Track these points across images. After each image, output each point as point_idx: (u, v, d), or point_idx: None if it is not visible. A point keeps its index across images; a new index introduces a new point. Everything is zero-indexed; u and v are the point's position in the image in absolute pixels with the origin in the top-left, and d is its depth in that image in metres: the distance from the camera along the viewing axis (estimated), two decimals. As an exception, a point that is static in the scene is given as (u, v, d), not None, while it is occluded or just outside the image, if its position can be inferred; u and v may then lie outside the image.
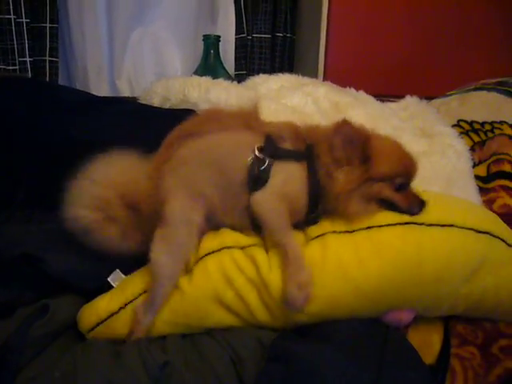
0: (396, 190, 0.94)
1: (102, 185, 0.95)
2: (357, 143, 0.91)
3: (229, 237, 0.97)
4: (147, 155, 0.98)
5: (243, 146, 0.95)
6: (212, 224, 0.97)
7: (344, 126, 0.92)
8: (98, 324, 0.93)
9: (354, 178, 0.91)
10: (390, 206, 0.95)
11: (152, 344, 0.90)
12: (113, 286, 0.97)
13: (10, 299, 0.94)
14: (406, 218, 0.93)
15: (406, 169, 0.95)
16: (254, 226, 0.95)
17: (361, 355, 0.83)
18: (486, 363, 0.94)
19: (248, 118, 0.99)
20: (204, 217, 0.95)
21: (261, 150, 0.93)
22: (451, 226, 0.93)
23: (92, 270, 0.97)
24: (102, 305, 0.94)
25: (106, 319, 0.93)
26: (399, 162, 0.94)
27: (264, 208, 0.92)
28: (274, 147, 0.94)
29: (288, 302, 0.87)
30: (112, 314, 0.93)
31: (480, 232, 0.94)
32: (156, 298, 0.92)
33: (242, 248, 0.95)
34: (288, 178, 0.93)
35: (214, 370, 0.86)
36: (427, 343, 0.98)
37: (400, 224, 0.93)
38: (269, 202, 0.92)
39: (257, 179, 0.92)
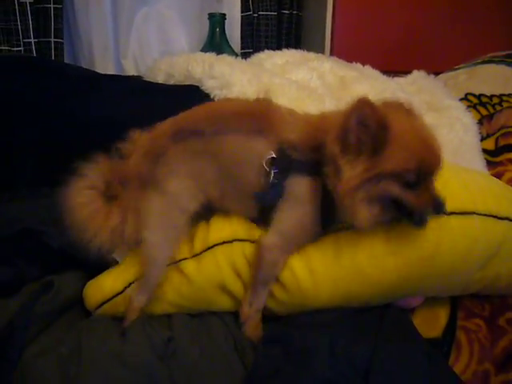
0: (407, 187, 0.79)
1: (100, 171, 0.93)
2: (372, 127, 0.76)
3: (241, 228, 0.94)
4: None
5: (255, 154, 0.87)
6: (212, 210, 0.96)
7: (361, 105, 0.76)
8: (103, 303, 0.94)
9: (359, 172, 0.77)
10: (399, 207, 0.82)
11: (157, 321, 0.91)
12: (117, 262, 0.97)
13: (15, 276, 0.94)
14: None
15: (421, 163, 0.78)
16: (263, 218, 0.91)
17: (356, 331, 0.84)
18: (492, 335, 0.94)
19: (261, 119, 0.89)
20: (201, 206, 0.94)
21: (272, 163, 0.85)
22: (472, 213, 0.89)
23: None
24: (107, 284, 0.94)
25: (111, 298, 0.93)
26: (416, 155, 0.78)
27: (266, 255, 0.89)
28: (286, 160, 0.85)
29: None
30: (117, 294, 0.94)
31: (500, 218, 0.91)
32: (149, 279, 0.92)
33: (254, 242, 0.92)
34: (300, 201, 0.86)
35: (220, 348, 0.87)
36: (434, 316, 0.98)
37: None
38: (272, 249, 0.88)
39: (267, 199, 0.87)
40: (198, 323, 0.93)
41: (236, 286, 0.92)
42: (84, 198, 0.90)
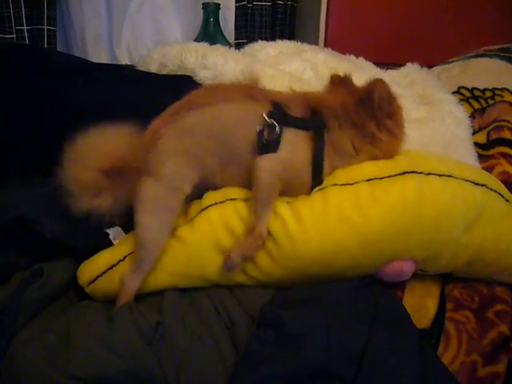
0: None
1: (82, 167, 0.91)
2: (393, 99, 0.98)
3: (232, 190, 0.97)
4: (142, 121, 0.97)
5: (250, 113, 0.94)
6: (206, 189, 0.98)
7: (382, 82, 0.95)
8: (97, 277, 0.94)
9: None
10: None
11: (145, 304, 0.91)
12: (112, 244, 0.98)
13: (6, 265, 0.94)
14: (404, 168, 0.94)
15: None
16: None
17: (351, 316, 0.83)
18: (481, 327, 0.94)
19: (251, 89, 0.98)
20: (195, 186, 0.95)
21: (269, 116, 0.92)
22: (449, 176, 0.95)
23: (87, 230, 0.96)
24: (103, 258, 0.95)
25: (105, 271, 0.94)
26: None
27: (262, 176, 0.92)
28: (282, 114, 0.93)
29: (226, 265, 0.91)
30: (111, 267, 0.94)
31: (477, 184, 0.96)
32: (142, 262, 0.92)
33: (246, 200, 0.95)
34: (296, 149, 0.94)
35: (211, 331, 0.87)
36: (423, 307, 0.99)
37: (399, 174, 0.93)
38: (269, 171, 0.92)
39: (266, 146, 0.92)
40: (188, 305, 0.92)
41: (229, 242, 0.93)
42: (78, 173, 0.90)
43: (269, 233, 0.92)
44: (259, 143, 0.92)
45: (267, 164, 0.92)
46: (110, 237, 0.98)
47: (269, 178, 0.92)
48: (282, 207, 0.93)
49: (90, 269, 0.95)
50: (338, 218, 0.92)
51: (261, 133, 0.91)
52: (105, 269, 0.94)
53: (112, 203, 0.92)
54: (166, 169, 0.93)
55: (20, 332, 0.85)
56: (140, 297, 0.94)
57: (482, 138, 1.30)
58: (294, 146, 0.94)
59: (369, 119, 0.96)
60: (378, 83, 0.95)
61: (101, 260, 0.95)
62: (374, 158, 0.98)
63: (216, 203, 0.96)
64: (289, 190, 0.95)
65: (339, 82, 1.03)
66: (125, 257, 0.94)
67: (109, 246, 0.98)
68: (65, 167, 0.89)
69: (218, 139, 0.94)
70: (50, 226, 0.93)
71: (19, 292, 0.88)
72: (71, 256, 0.97)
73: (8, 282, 0.92)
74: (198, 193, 0.97)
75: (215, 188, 0.98)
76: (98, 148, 0.92)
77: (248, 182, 0.94)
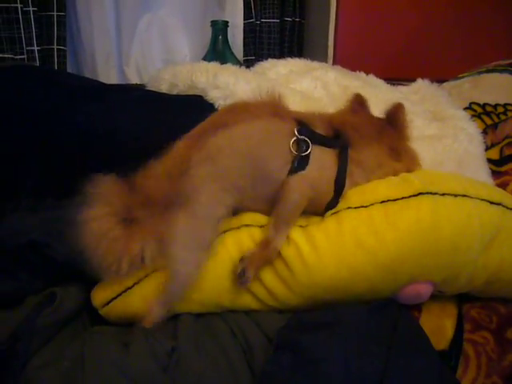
0: None
1: (118, 193, 0.90)
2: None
3: (248, 216, 0.97)
4: (154, 143, 0.96)
5: (279, 131, 0.94)
6: (237, 212, 0.97)
7: (403, 107, 1.03)
8: (112, 299, 0.93)
9: None
10: None
11: (160, 329, 0.89)
12: None
13: (19, 289, 0.93)
14: (418, 189, 0.93)
15: None
16: None
17: (369, 342, 0.82)
18: (500, 348, 0.93)
19: (275, 106, 0.98)
20: (232, 210, 0.94)
21: (299, 133, 0.93)
22: (464, 195, 0.93)
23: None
24: (117, 281, 0.93)
25: (120, 294, 0.93)
26: None
27: (292, 197, 0.92)
28: (309, 132, 0.94)
29: (240, 281, 0.89)
30: (126, 289, 0.93)
31: (493, 203, 0.95)
32: (171, 295, 0.91)
33: (261, 226, 0.95)
34: (323, 167, 0.94)
35: (227, 355, 0.86)
36: (440, 328, 0.97)
37: (413, 196, 0.92)
38: (299, 192, 0.92)
39: (297, 163, 0.92)
40: (203, 329, 0.91)
41: None
42: (103, 225, 0.87)
43: (282, 258, 0.91)
44: (292, 160, 0.92)
45: (298, 185, 0.92)
46: None
47: (298, 200, 0.92)
48: (296, 233, 0.93)
49: (105, 291, 0.94)
50: (354, 243, 0.91)
51: (293, 149, 0.92)
52: (120, 291, 0.93)
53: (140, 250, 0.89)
54: (201, 199, 0.90)
55: (33, 358, 0.84)
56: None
57: (494, 154, 1.28)
58: (322, 163, 0.94)
59: (395, 139, 1.01)
60: (401, 107, 1.03)
61: (115, 283, 0.93)
62: (396, 173, 1.00)
63: (231, 229, 0.95)
64: (310, 206, 0.95)
65: (362, 103, 1.05)
66: (140, 280, 0.93)
67: None
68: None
69: (247, 158, 0.92)
70: (62, 250, 0.92)
71: (32, 317, 0.88)
72: (84, 280, 0.96)
73: (21, 306, 0.92)
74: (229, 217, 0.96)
75: (246, 209, 0.97)
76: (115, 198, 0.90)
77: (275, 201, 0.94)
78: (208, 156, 0.91)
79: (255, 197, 0.95)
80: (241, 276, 0.89)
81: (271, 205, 0.94)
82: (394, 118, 1.03)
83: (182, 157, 0.91)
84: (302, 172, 0.92)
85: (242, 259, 0.90)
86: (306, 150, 0.92)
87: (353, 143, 0.97)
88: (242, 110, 0.97)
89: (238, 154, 0.92)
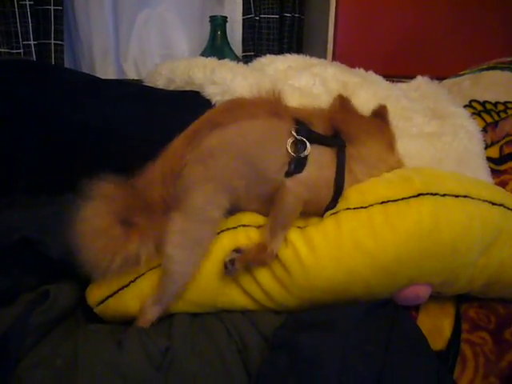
0: None
1: (121, 194, 0.90)
2: None
3: (245, 216, 0.96)
4: (150, 138, 0.95)
5: (276, 131, 0.93)
6: (232, 212, 0.95)
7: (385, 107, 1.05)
8: (107, 297, 0.92)
9: None
10: None
11: (154, 328, 0.89)
12: None
13: (11, 286, 0.93)
14: (419, 189, 0.92)
15: None
16: None
17: (365, 343, 0.81)
18: (498, 349, 0.92)
19: (274, 105, 0.96)
20: (227, 210, 0.92)
21: (297, 133, 0.91)
22: (465, 196, 0.92)
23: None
24: (112, 280, 0.92)
25: (116, 292, 0.92)
26: None
27: (289, 199, 0.91)
28: (307, 132, 0.92)
29: (227, 271, 0.89)
30: (122, 287, 0.92)
31: (494, 204, 0.94)
32: (166, 295, 0.90)
33: (259, 227, 0.94)
34: (322, 167, 0.93)
35: (222, 355, 0.85)
36: (438, 328, 0.96)
37: (414, 197, 0.91)
38: (296, 195, 0.91)
39: (295, 164, 0.90)
40: (199, 328, 0.90)
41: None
42: (104, 222, 0.87)
43: (279, 260, 0.90)
44: (289, 161, 0.90)
45: (295, 187, 0.91)
46: None
47: (294, 202, 0.91)
48: (294, 234, 0.92)
49: (100, 289, 0.93)
50: (352, 245, 0.90)
51: (290, 150, 0.90)
52: (115, 290, 0.92)
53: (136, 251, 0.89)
54: (194, 201, 0.89)
55: (26, 356, 0.83)
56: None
57: (494, 152, 1.27)
58: (320, 164, 0.93)
59: (391, 135, 1.02)
60: (385, 108, 1.04)
61: (111, 281, 0.93)
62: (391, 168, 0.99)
63: (228, 229, 0.94)
64: (307, 207, 0.94)
65: (346, 104, 1.04)
66: (135, 278, 0.92)
67: None
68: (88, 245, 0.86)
69: (243, 159, 0.91)
70: (56, 247, 0.92)
71: (25, 315, 0.87)
72: (78, 277, 0.95)
73: (14, 303, 0.91)
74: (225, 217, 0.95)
75: (241, 210, 0.96)
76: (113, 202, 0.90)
77: (271, 201, 0.93)
78: (202, 157, 0.90)
79: (251, 197, 0.94)
80: (228, 265, 0.89)
81: (268, 205, 0.93)
82: (381, 116, 1.03)
83: (176, 158, 0.90)
84: (299, 174, 0.91)
85: (236, 250, 0.90)
86: (304, 151, 0.90)
87: (353, 140, 0.96)
88: (239, 108, 0.95)
89: (232, 155, 0.91)
